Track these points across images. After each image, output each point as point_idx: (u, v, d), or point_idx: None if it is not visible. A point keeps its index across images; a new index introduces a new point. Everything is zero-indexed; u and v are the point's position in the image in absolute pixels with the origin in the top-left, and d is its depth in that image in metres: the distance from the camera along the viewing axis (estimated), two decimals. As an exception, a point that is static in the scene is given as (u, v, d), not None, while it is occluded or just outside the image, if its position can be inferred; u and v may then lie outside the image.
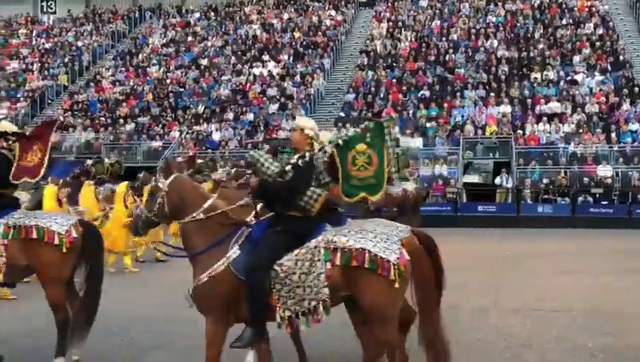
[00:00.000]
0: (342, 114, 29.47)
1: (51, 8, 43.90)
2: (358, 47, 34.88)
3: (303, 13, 38.52)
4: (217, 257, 5.66)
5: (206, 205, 5.86)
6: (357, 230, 5.63)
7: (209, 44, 37.14)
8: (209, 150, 27.41)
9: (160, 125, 30.33)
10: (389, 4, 37.54)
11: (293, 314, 5.57)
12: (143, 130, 30.58)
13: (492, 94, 28.27)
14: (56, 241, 6.85)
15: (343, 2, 38.69)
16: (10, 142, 7.29)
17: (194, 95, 32.69)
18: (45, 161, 7.18)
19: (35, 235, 6.87)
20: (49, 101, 35.34)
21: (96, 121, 31.81)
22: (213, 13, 40.60)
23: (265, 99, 31.27)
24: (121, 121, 31.46)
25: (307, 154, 5.79)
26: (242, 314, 5.66)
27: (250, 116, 30.12)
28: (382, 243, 5.45)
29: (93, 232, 7.35)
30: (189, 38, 38.23)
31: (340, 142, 5.77)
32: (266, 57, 34.53)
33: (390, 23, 35.69)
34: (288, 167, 5.74)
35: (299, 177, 5.68)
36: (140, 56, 37.37)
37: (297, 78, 32.48)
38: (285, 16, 38.53)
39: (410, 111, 28.55)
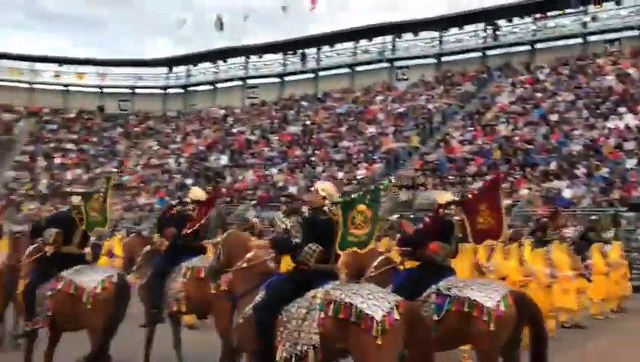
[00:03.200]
0: None
1: (404, 75, 46.79)
2: None
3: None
4: None
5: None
6: (355, 288, 6.21)
7: (559, 98, 35.97)
8: (559, 208, 26.14)
9: (508, 182, 29.99)
10: None
11: (289, 356, 6.16)
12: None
13: None
14: None
15: None
16: None
17: (543, 151, 31.77)
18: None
19: None
20: (402, 161, 37.27)
21: (445, 180, 32.64)
22: (563, 68, 39.37)
23: (621, 153, 29.09)
24: (469, 178, 31.82)
25: (304, 215, 6.82)
26: None
27: (605, 172, 28.21)
28: (372, 301, 5.94)
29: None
30: (538, 95, 37.48)
31: (344, 202, 6.49)
32: (622, 109, 32.26)
33: None
34: (289, 225, 6.91)
35: (298, 234, 6.58)
36: (488, 115, 37.65)
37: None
38: (644, 65, 35.75)
39: None
